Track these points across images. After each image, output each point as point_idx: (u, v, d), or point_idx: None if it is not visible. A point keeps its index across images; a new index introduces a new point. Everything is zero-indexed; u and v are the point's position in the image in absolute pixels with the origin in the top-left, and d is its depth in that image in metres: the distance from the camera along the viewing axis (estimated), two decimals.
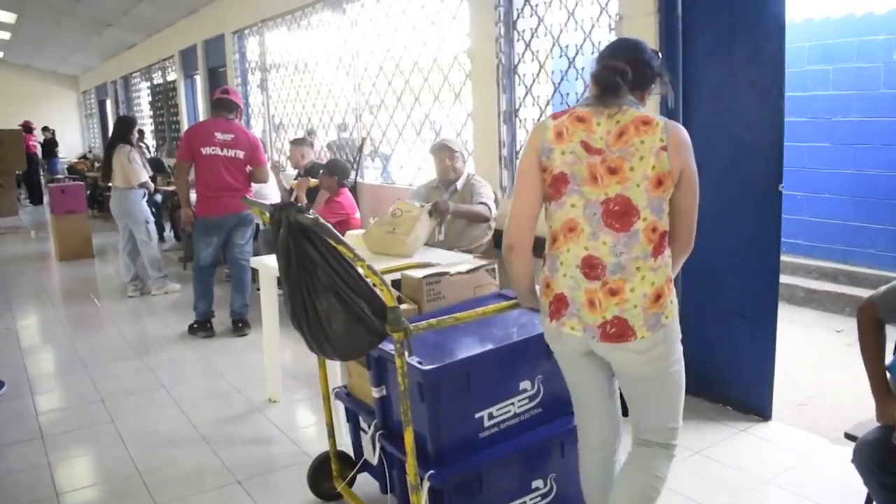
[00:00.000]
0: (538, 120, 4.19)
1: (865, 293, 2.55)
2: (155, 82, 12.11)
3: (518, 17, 4.50)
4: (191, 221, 5.03)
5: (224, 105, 4.99)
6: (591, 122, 1.83)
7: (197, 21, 9.29)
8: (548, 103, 4.44)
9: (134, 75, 13.50)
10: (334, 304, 1.92)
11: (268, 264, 3.66)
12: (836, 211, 5.91)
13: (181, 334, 5.13)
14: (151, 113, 12.59)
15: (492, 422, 2.18)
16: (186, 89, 10.44)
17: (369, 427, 2.42)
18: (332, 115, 7.03)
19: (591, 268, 1.82)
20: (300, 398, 3.93)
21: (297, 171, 6.36)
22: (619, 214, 1.79)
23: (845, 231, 5.89)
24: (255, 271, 4.97)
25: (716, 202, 3.19)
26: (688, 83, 3.46)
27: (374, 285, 1.94)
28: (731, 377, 3.46)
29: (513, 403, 2.22)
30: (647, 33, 3.54)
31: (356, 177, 6.19)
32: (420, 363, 2.03)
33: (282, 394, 3.87)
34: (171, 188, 8.32)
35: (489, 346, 2.16)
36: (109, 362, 4.58)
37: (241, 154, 4.91)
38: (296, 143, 6.35)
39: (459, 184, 4.31)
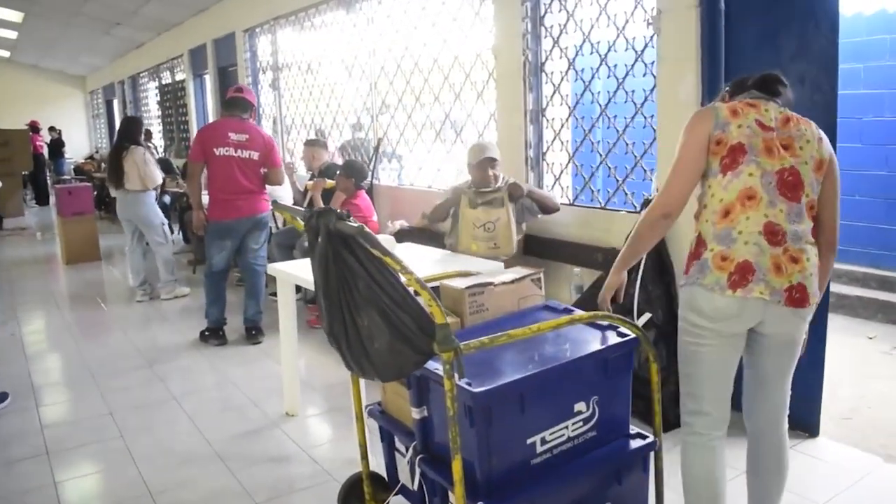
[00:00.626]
0: (566, 118, 4.01)
1: None
2: (163, 82, 11.94)
3: (546, 12, 4.30)
4: (203, 225, 4.83)
5: (238, 104, 4.80)
6: (760, 108, 1.98)
7: (207, 19, 9.11)
8: (577, 102, 4.23)
9: (142, 75, 13.33)
10: (377, 321, 1.72)
11: (285, 271, 3.47)
12: (868, 213, 5.70)
13: (192, 342, 4.94)
14: (160, 113, 12.42)
15: (544, 447, 1.98)
16: (195, 89, 10.26)
17: (407, 449, 2.22)
18: (347, 115, 6.84)
19: (772, 234, 1.89)
20: (319, 412, 3.73)
21: (310, 172, 6.17)
22: (792, 185, 1.92)
23: (877, 234, 5.69)
24: (268, 276, 4.78)
25: None
26: (731, 79, 3.25)
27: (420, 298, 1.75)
28: None
29: (567, 427, 2.02)
30: (688, 28, 3.34)
31: (372, 178, 6.00)
32: (469, 384, 1.83)
33: (300, 407, 3.68)
34: (180, 189, 8.18)
35: (544, 366, 1.96)
36: (118, 372, 4.39)
37: (255, 155, 4.73)
38: (309, 143, 6.16)
39: (498, 188, 4.13)
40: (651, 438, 2.19)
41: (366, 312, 1.73)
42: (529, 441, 1.95)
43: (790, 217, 1.91)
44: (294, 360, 3.65)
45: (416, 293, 1.76)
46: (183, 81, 10.62)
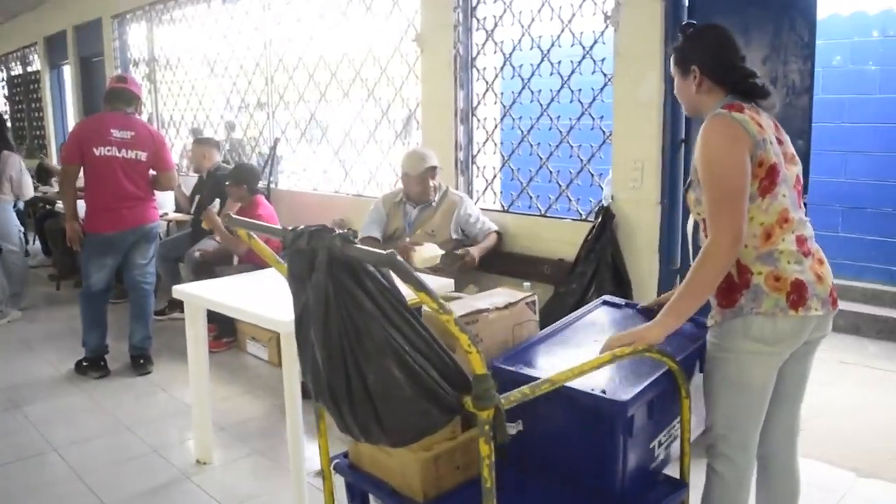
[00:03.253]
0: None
1: None
2: (13, 73, 10.58)
3: (479, 2, 3.96)
4: (79, 238, 4.10)
5: (121, 96, 4.11)
6: (763, 117, 1.86)
7: (67, 3, 8.07)
8: (514, 101, 3.92)
9: None
10: (393, 374, 1.29)
11: (195, 294, 2.92)
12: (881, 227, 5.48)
13: (68, 374, 4.19)
14: (8, 108, 11.00)
15: (660, 449, 1.86)
16: (52, 81, 9.10)
17: None
18: (237, 111, 6.21)
19: (803, 246, 1.84)
20: (238, 457, 3.18)
21: (199, 174, 5.51)
22: (799, 192, 1.90)
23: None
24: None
25: None
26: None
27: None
28: None
29: (674, 426, 1.90)
30: (651, 22, 3.11)
31: (269, 183, 5.43)
32: (604, 393, 1.67)
33: (213, 453, 3.12)
34: (38, 194, 7.15)
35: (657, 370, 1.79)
36: None
37: (143, 155, 4.07)
38: (200, 142, 5.51)
39: (434, 199, 3.73)
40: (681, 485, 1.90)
41: (378, 363, 1.30)
42: (651, 445, 1.82)
43: (806, 223, 1.89)
44: (206, 397, 3.09)
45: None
46: (37, 73, 9.42)
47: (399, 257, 1.18)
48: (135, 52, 7.23)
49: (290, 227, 1.46)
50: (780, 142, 1.87)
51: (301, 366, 1.46)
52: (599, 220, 3.31)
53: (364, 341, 1.28)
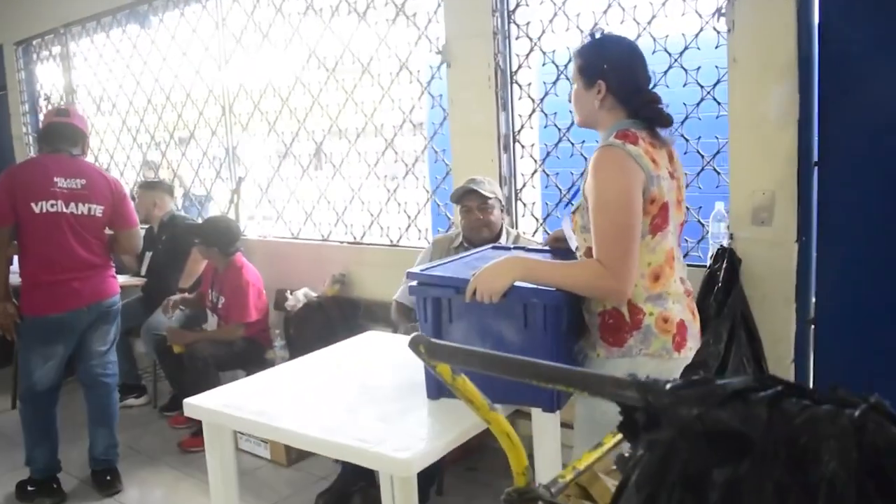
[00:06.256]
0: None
1: None
2: None
3: (517, 5, 3.27)
4: (15, 323, 3.08)
5: (64, 133, 3.15)
6: (658, 147, 1.78)
7: None
8: (572, 124, 3.21)
9: None
10: None
11: (221, 411, 2.01)
12: None
13: (7, 500, 3.15)
14: None
15: None
16: None
17: None
18: (174, 147, 5.26)
19: (683, 283, 1.85)
20: None
21: (149, 226, 4.52)
22: (681, 231, 1.92)
23: None
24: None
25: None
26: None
27: None
28: None
29: None
30: (782, 21, 2.50)
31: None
32: None
33: None
34: None
35: None
36: None
37: (98, 210, 3.12)
38: (148, 186, 4.56)
39: (504, 241, 2.94)
40: None
41: None
42: None
43: (684, 264, 1.91)
44: None
45: None
46: None
47: None
48: (46, 84, 6.12)
49: (668, 382, 0.70)
50: (671, 176, 1.79)
51: None
52: (722, 265, 2.65)
53: None
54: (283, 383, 2.21)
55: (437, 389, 1.89)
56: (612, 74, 1.77)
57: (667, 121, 1.80)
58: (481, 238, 2.87)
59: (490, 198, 2.88)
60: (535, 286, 1.71)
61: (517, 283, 1.72)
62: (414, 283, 1.89)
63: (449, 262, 2.08)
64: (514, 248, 2.29)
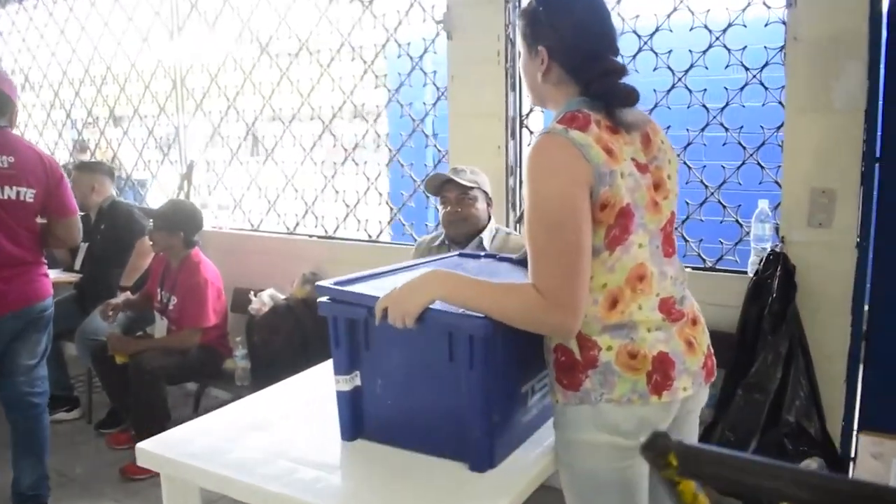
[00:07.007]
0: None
1: None
2: None
3: None
4: None
5: None
6: (622, 133, 1.36)
7: None
8: None
9: None
10: None
11: (187, 462, 1.53)
12: None
13: None
14: None
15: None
16: None
17: None
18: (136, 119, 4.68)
19: (669, 308, 1.40)
20: None
21: (85, 213, 3.92)
22: (669, 235, 1.45)
23: None
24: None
25: None
26: None
27: None
28: None
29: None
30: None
31: None
32: None
33: None
34: None
35: None
36: None
37: (30, 194, 2.57)
38: (86, 168, 3.95)
39: (486, 239, 2.52)
40: None
41: None
42: None
43: (676, 278, 1.45)
44: None
45: None
46: None
47: None
48: None
49: None
50: (644, 168, 1.38)
51: None
52: (775, 272, 2.32)
53: None
54: (263, 420, 1.73)
55: (352, 429, 1.54)
56: (553, 36, 1.37)
57: (626, 99, 1.37)
58: (460, 234, 2.49)
59: (471, 188, 2.48)
60: (460, 310, 1.35)
61: (437, 306, 1.36)
62: (325, 298, 1.49)
63: (381, 271, 1.68)
64: (485, 256, 1.93)
